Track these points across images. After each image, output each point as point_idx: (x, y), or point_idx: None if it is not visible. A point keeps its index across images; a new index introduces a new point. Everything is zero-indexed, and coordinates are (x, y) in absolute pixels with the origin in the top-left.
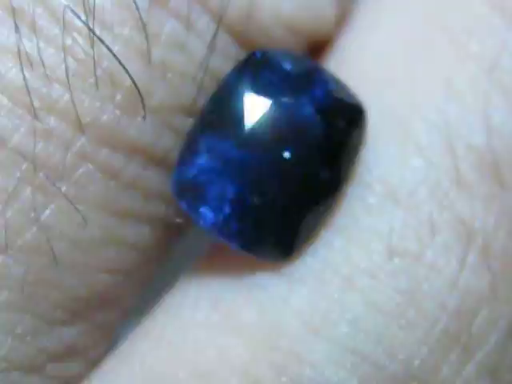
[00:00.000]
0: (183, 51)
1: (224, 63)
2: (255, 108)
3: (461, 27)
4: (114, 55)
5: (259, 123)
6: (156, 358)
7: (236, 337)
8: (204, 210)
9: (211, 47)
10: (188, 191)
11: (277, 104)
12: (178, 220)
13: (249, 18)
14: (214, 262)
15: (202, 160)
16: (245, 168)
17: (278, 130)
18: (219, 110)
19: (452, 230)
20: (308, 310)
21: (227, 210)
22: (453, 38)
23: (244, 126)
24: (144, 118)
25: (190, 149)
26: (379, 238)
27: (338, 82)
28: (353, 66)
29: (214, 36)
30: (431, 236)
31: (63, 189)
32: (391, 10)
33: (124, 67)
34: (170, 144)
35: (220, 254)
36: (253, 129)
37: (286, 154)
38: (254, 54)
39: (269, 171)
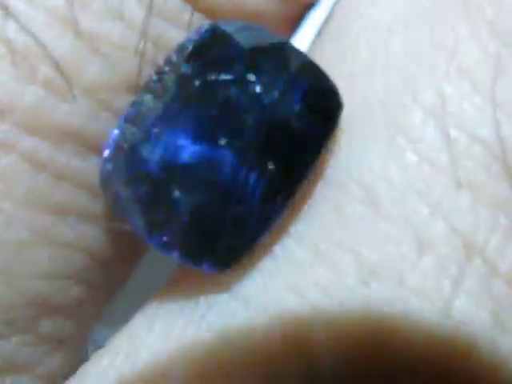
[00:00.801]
0: (121, 19)
1: (177, 32)
2: (192, 91)
3: None
4: (26, 28)
5: (195, 112)
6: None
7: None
8: None
9: (149, 9)
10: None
11: (221, 82)
12: (117, 223)
13: None
14: (175, 283)
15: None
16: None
17: (215, 117)
18: (157, 94)
19: (446, 246)
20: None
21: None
22: (465, 1)
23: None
24: (74, 98)
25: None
26: (353, 256)
27: (304, 62)
28: (347, 40)
29: None
30: (419, 254)
31: None
32: None
33: (38, 41)
34: (108, 128)
35: (183, 273)
36: (188, 120)
37: (223, 142)
38: (206, 25)
39: (201, 165)
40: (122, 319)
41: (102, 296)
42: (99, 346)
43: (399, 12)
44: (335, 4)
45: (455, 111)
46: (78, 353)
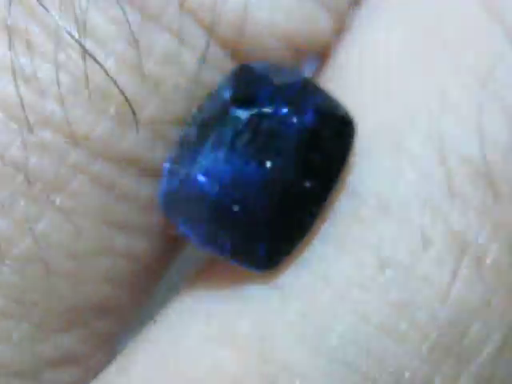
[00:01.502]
0: (176, 65)
1: (217, 76)
2: (238, 121)
3: (457, 39)
4: (103, 68)
5: (242, 135)
6: (150, 371)
7: (229, 349)
8: None
9: (202, 59)
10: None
11: (260, 115)
12: (171, 231)
13: (241, 30)
14: (210, 276)
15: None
16: (228, 179)
17: (261, 140)
18: (205, 124)
19: (445, 242)
20: (300, 322)
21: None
22: (449, 49)
23: (227, 139)
24: (137, 130)
25: (176, 161)
26: (371, 250)
27: (325, 94)
28: (350, 79)
29: (206, 49)
30: (424, 248)
31: (58, 200)
32: (388, 22)
33: (113, 80)
34: (163, 155)
35: (216, 267)
36: (234, 141)
37: (268, 164)
38: (240, 66)
39: (252, 181)
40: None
41: (143, 298)
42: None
43: (394, 53)
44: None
45: (447, 137)
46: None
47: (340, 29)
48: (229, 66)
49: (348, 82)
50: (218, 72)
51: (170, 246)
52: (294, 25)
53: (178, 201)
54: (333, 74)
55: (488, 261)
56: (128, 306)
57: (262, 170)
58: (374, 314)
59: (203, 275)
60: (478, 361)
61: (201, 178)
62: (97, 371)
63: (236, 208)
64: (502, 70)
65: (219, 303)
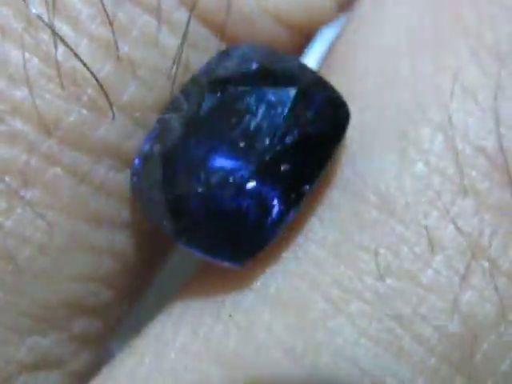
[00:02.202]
0: (155, 46)
1: (202, 58)
2: (214, 102)
3: (474, 16)
4: (73, 51)
5: (217, 121)
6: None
7: (214, 364)
8: None
9: (183, 39)
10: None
11: (235, 95)
12: (149, 226)
13: (227, 7)
14: (198, 285)
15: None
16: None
17: (234, 120)
18: (186, 110)
19: (455, 245)
20: (290, 336)
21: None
22: (464, 28)
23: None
24: (113, 117)
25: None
26: (371, 255)
27: (316, 77)
28: (351, 60)
29: (187, 26)
30: (430, 253)
31: (28, 194)
32: None
33: (84, 64)
34: (141, 144)
35: (206, 274)
36: (205, 123)
37: (241, 145)
38: (224, 50)
39: (221, 161)
40: (140, 320)
41: (128, 298)
42: (121, 346)
43: (403, 35)
44: (338, 37)
45: (460, 126)
46: (103, 352)
47: (341, 6)
48: (216, 47)
49: (351, 66)
50: (204, 54)
51: (154, 243)
52: (288, 2)
53: (150, 191)
54: (334, 56)
55: (504, 267)
56: (111, 306)
57: (236, 151)
58: (372, 328)
59: (192, 284)
60: (491, 380)
61: (174, 166)
62: (82, 376)
63: (200, 189)
64: None
65: (206, 315)
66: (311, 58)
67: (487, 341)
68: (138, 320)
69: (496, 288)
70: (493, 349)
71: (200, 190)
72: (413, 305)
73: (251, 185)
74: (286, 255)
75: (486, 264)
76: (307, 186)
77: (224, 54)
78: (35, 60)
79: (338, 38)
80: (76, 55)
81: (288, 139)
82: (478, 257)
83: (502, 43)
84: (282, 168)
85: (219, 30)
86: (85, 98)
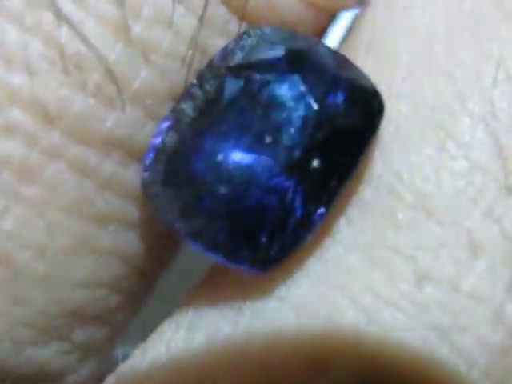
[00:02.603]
0: (170, 28)
1: (220, 41)
2: (235, 91)
3: None
4: (79, 32)
5: (236, 106)
6: None
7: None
8: None
9: (201, 20)
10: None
11: (260, 83)
12: (159, 226)
13: None
14: (211, 288)
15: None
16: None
17: (260, 113)
18: (204, 99)
19: (499, 250)
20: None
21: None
22: (508, 9)
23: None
24: (122, 106)
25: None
26: (407, 260)
27: (345, 62)
28: (384, 46)
29: (205, 6)
30: (473, 258)
31: (28, 191)
32: None
33: (91, 47)
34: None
35: (221, 277)
36: (229, 116)
37: (268, 140)
38: (244, 32)
39: (248, 164)
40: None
41: (134, 304)
42: (128, 352)
43: (439, 19)
44: (361, 17)
45: (504, 117)
46: (108, 360)
47: None
48: (235, 29)
49: (382, 52)
50: (222, 37)
51: (162, 244)
52: None
53: (160, 186)
54: (362, 42)
55: None
56: (118, 312)
57: (261, 148)
58: (409, 339)
59: (206, 287)
60: None
61: (191, 160)
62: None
63: (225, 195)
64: None
65: (222, 323)
66: (332, 41)
67: None
68: (142, 322)
69: None
70: None
71: (222, 190)
72: (453, 314)
73: (278, 184)
74: (312, 259)
75: None
76: (338, 185)
77: (245, 37)
78: (36, 42)
79: (361, 18)
80: (81, 37)
81: (319, 133)
82: None
83: None
84: (312, 165)
85: (239, 11)
86: (91, 86)
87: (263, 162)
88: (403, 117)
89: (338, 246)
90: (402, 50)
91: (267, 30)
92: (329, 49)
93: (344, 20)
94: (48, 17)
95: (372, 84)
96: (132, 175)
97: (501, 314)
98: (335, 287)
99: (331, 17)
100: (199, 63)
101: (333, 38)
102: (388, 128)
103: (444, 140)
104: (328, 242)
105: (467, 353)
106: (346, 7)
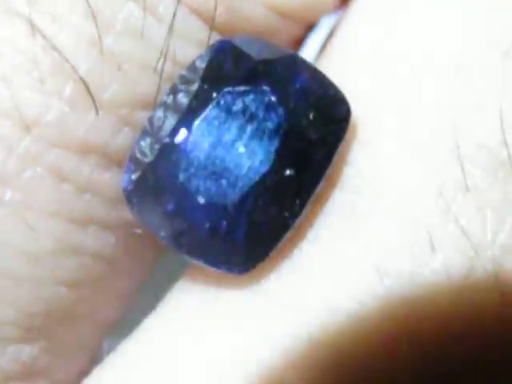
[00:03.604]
0: (142, 39)
1: (192, 51)
2: (209, 101)
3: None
4: (51, 43)
5: (212, 116)
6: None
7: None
8: None
9: (170, 30)
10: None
11: (234, 94)
12: (138, 230)
13: None
14: (194, 282)
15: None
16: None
17: (234, 123)
18: (177, 108)
19: (456, 246)
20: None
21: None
22: (464, 17)
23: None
24: (97, 114)
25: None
26: (367, 254)
27: (314, 72)
28: (349, 52)
29: (174, 16)
30: (430, 253)
31: (8, 195)
32: None
33: (65, 58)
34: (128, 142)
35: (200, 274)
36: (203, 124)
37: (241, 150)
38: (218, 40)
39: (223, 169)
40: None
41: (119, 303)
42: (112, 349)
43: (399, 25)
44: (335, 27)
45: (462, 120)
46: (94, 358)
47: None
48: (206, 38)
49: (347, 58)
50: (194, 47)
51: (145, 246)
52: None
53: (141, 193)
54: (331, 49)
55: (509, 269)
56: (101, 312)
57: (235, 156)
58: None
59: (187, 282)
60: None
61: (169, 169)
62: (71, 382)
63: (203, 201)
64: None
65: (207, 318)
66: (311, 51)
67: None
68: (128, 321)
69: (501, 293)
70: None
71: (202, 201)
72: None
73: (254, 191)
74: (282, 256)
75: (490, 266)
76: (310, 189)
77: (216, 48)
78: (11, 53)
79: (335, 28)
80: (54, 47)
81: (290, 142)
82: (480, 258)
83: (503, 36)
84: (285, 173)
85: (209, 21)
86: (66, 94)
87: (239, 170)
88: (367, 119)
89: (306, 243)
90: (368, 57)
91: (238, 41)
92: (299, 59)
93: (323, 28)
94: (23, 29)
95: (339, 92)
96: (110, 178)
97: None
98: (303, 281)
99: (309, 26)
100: (171, 72)
101: (311, 47)
102: (353, 130)
103: (403, 140)
104: (298, 240)
105: None
106: (321, 16)
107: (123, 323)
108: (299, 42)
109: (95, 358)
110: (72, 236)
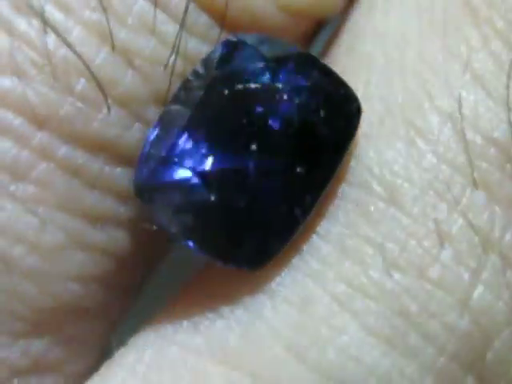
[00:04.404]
0: (153, 34)
1: (203, 48)
2: (222, 99)
3: (485, 1)
4: (63, 39)
5: (224, 115)
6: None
7: (215, 360)
8: None
9: (182, 26)
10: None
11: (246, 92)
12: (147, 225)
13: None
14: (200, 282)
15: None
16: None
17: (246, 121)
18: (189, 103)
19: (465, 240)
20: (293, 334)
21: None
22: (476, 13)
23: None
24: (108, 109)
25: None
26: (377, 249)
27: (324, 69)
28: (362, 50)
29: (185, 13)
30: (439, 247)
31: (20, 189)
32: None
33: (76, 53)
34: (140, 139)
35: (208, 272)
36: (216, 122)
37: (253, 147)
38: (227, 38)
39: (234, 167)
40: (141, 317)
41: (127, 298)
42: (123, 344)
43: (412, 24)
44: (343, 24)
45: (471, 115)
46: (103, 352)
47: None
48: (216, 35)
49: (357, 55)
50: (204, 43)
51: (152, 241)
52: None
53: (153, 189)
54: (339, 45)
55: None
56: (109, 307)
57: (247, 154)
58: (379, 325)
59: (194, 282)
60: (504, 380)
61: (179, 164)
62: (80, 377)
63: (213, 197)
64: None
65: (208, 311)
66: (320, 49)
67: (499, 339)
68: (137, 318)
69: (508, 285)
70: (505, 347)
71: (213, 197)
72: (420, 301)
73: (265, 189)
74: (291, 251)
75: (498, 259)
76: (321, 186)
77: (227, 45)
78: (25, 48)
79: (343, 25)
80: (67, 43)
81: (301, 140)
82: (488, 251)
83: None
84: (296, 170)
85: (220, 18)
86: (78, 90)
87: (250, 168)
88: (375, 115)
89: (315, 237)
90: (378, 54)
91: (248, 39)
92: (310, 56)
93: (331, 26)
94: (36, 24)
95: (350, 90)
96: (120, 174)
97: (467, 300)
98: (310, 277)
99: (317, 23)
100: (182, 68)
101: (320, 45)
102: (362, 126)
103: (413, 136)
104: (307, 235)
105: (435, 338)
106: (329, 13)
107: (130, 319)
108: (308, 39)
109: (104, 353)
110: (82, 231)
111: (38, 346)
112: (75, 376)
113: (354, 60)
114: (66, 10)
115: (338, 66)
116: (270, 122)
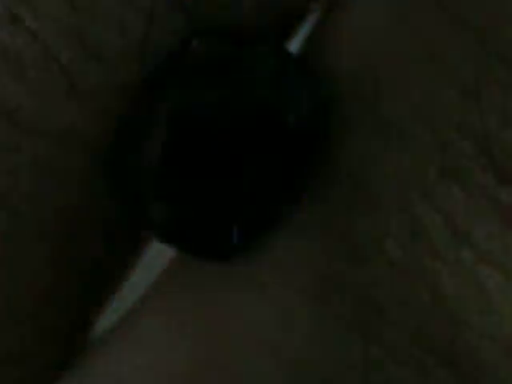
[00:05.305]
0: (122, 29)
1: (174, 42)
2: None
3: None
4: (34, 36)
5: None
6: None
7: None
8: None
9: (150, 20)
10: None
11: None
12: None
13: None
14: (175, 273)
15: None
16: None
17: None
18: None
19: (439, 232)
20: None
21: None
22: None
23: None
24: (78, 103)
25: None
26: (347, 243)
27: (301, 64)
28: (334, 41)
29: (151, 7)
30: (413, 240)
31: None
32: None
33: (46, 48)
34: (107, 130)
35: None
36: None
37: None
38: (197, 32)
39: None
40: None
41: (104, 291)
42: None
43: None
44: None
45: (444, 105)
46: (77, 345)
47: None
48: (186, 30)
49: (334, 47)
50: (174, 38)
51: (129, 235)
52: None
53: (120, 184)
54: (317, 37)
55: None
56: (85, 298)
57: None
58: None
59: (167, 272)
60: None
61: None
62: (52, 369)
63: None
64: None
65: (189, 309)
66: (298, 42)
67: None
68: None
69: (479, 280)
70: None
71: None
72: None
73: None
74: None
75: (470, 251)
76: (304, 181)
77: (192, 39)
78: None
79: (325, 18)
80: (35, 37)
81: (272, 137)
82: (461, 243)
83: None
84: (271, 168)
85: (189, 12)
86: (46, 84)
87: (220, 159)
88: (347, 111)
89: (289, 229)
90: (355, 46)
91: (219, 31)
92: (283, 49)
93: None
94: (3, 19)
95: (323, 82)
96: (90, 166)
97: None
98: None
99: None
100: (151, 59)
101: (298, 38)
102: (337, 121)
103: (384, 130)
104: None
105: None
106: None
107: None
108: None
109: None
110: (53, 222)
111: (10, 336)
112: (46, 369)
113: (330, 54)
114: (33, 8)
115: (319, 58)
116: (240, 117)
